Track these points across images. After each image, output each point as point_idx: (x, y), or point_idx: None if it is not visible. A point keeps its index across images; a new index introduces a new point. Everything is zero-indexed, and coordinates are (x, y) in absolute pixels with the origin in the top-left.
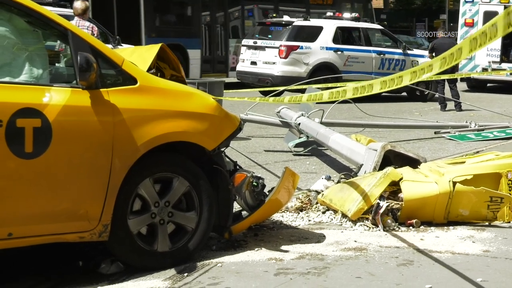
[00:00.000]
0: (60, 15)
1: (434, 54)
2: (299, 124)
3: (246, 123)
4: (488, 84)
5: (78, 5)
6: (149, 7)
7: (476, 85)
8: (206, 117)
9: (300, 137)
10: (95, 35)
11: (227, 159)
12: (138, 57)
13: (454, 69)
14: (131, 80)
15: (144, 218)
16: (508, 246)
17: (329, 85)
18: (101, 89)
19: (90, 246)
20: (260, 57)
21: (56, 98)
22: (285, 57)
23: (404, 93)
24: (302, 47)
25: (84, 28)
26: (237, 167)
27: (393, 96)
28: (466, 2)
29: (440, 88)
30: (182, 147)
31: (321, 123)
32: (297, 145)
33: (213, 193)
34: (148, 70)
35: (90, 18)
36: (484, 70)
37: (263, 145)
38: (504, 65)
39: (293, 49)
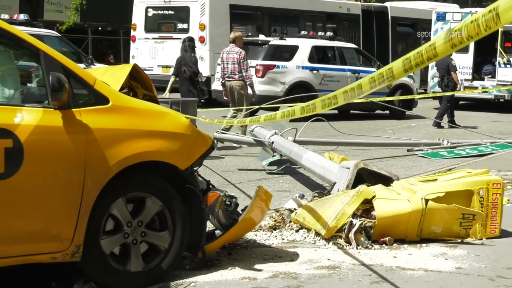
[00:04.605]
0: (32, 35)
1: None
2: (272, 142)
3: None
4: (460, 102)
5: (231, 35)
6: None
7: None
8: (179, 136)
9: (273, 156)
10: (241, 57)
11: (200, 178)
12: (110, 76)
13: (455, 86)
14: (104, 100)
15: (117, 238)
16: (480, 263)
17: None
18: (73, 109)
19: (66, 265)
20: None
21: (27, 118)
22: (262, 76)
23: (379, 111)
24: (278, 66)
25: (233, 53)
26: (210, 186)
27: (366, 114)
28: (438, 20)
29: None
30: (155, 166)
31: (295, 141)
32: (270, 164)
33: (186, 213)
34: (121, 90)
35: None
36: None
37: (237, 163)
38: (476, 83)
39: (269, 68)
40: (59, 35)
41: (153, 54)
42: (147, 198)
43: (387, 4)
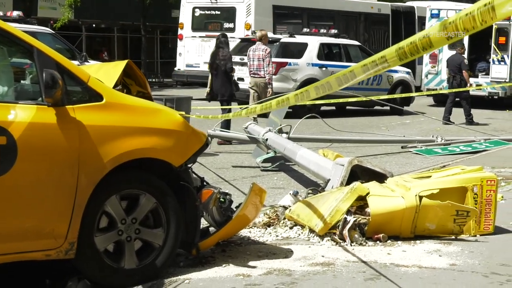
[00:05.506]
0: (25, 32)
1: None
2: (266, 139)
3: (213, 139)
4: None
5: (258, 33)
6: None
7: (442, 100)
8: (173, 133)
9: (267, 153)
10: (266, 54)
11: (194, 175)
12: (104, 73)
13: (465, 84)
14: (97, 97)
15: (111, 235)
16: (474, 260)
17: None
18: (67, 106)
19: (60, 263)
20: (247, 73)
21: (21, 115)
22: (275, 74)
23: (379, 107)
24: (290, 64)
25: (259, 50)
26: (204, 183)
27: (364, 111)
28: (432, 17)
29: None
30: (149, 163)
31: (289, 138)
32: (264, 161)
33: (180, 210)
34: (114, 87)
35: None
36: None
37: (231, 160)
38: (470, 80)
39: (282, 65)
40: (53, 32)
41: (200, 51)
42: (141, 195)
43: (413, 4)
